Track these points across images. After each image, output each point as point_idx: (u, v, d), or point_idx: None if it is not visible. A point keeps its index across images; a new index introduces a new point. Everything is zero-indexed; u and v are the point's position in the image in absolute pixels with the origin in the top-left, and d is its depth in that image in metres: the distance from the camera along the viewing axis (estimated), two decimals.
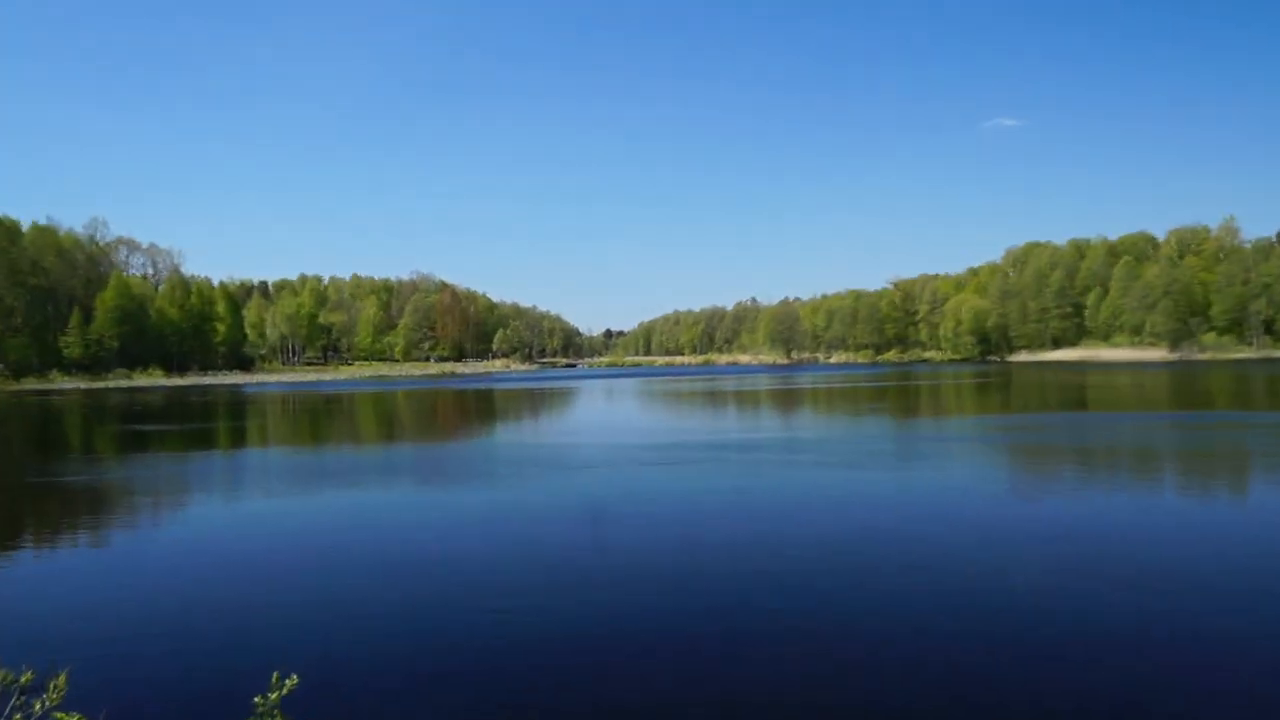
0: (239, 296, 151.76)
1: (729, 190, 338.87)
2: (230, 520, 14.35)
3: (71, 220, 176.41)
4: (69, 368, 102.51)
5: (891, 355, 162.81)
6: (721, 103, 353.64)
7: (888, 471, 17.95)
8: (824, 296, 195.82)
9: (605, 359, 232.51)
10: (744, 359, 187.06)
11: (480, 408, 46.03)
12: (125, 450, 25.41)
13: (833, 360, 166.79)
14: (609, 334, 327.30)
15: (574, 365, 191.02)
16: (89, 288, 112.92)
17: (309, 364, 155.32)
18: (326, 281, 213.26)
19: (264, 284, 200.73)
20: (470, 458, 22.48)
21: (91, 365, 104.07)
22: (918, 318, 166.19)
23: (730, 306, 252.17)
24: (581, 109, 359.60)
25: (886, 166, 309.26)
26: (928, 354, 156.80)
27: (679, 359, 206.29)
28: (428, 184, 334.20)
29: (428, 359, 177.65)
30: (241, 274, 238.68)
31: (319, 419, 39.26)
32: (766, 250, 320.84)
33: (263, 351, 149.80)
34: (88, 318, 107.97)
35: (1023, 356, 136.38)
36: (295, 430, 33.03)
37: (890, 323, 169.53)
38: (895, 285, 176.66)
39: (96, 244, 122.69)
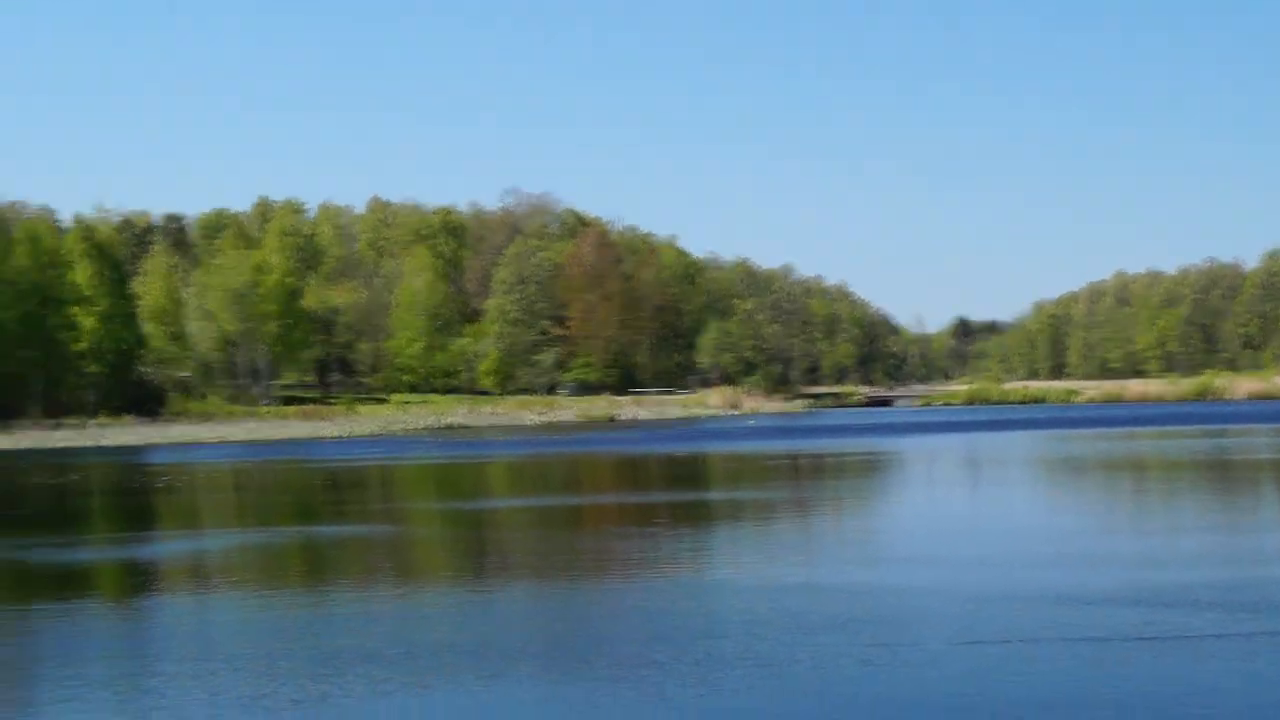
0: (123, 252, 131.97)
1: None
2: None
3: None
4: None
5: None
6: None
7: None
8: None
9: (961, 386, 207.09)
10: None
11: (693, 498, 44.45)
12: None
13: None
14: (963, 331, 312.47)
15: (888, 402, 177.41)
16: None
17: (291, 399, 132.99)
18: (314, 214, 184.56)
19: (177, 224, 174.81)
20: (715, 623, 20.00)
21: None
22: None
23: (1256, 260, 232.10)
24: None
25: None
26: None
27: (1132, 385, 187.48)
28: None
29: (552, 389, 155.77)
30: (131, 204, 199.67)
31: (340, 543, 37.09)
32: None
33: (185, 375, 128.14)
34: None
35: None
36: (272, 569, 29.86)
37: None
38: None
39: None
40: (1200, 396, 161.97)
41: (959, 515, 36.45)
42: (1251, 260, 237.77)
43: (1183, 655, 15.75)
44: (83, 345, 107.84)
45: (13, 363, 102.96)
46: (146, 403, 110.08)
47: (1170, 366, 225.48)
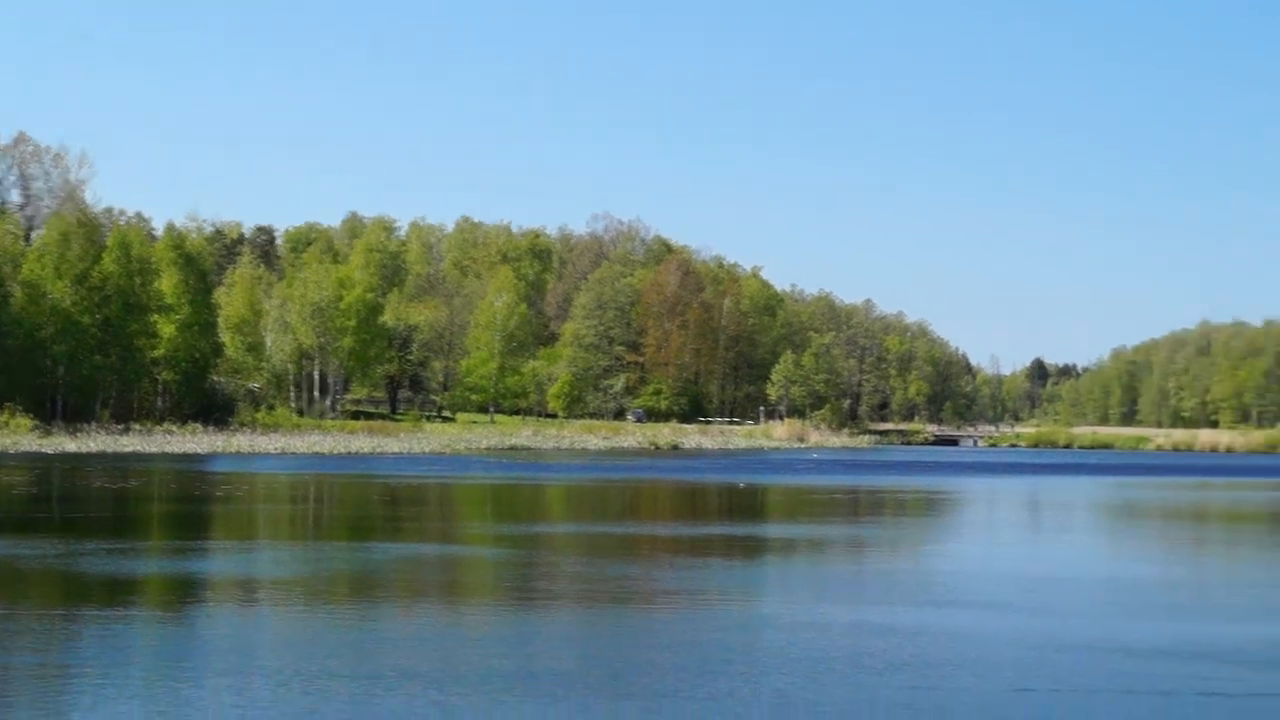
0: (211, 262, 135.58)
1: None
2: None
3: None
4: None
5: None
6: None
7: None
8: None
9: (1029, 429, 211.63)
10: None
11: (748, 531, 43.46)
12: None
13: None
14: (1039, 374, 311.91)
15: (954, 441, 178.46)
16: None
17: (359, 414, 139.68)
18: (404, 231, 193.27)
19: (266, 236, 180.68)
20: None
21: None
22: None
23: None
24: None
25: None
26: None
27: (1203, 434, 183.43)
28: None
29: (620, 415, 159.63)
30: (225, 215, 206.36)
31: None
32: None
33: (256, 386, 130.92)
34: None
35: None
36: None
37: None
38: None
39: None
40: (1272, 449, 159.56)
41: (1017, 559, 35.95)
42: None
43: (1239, 714, 15.43)
44: (159, 352, 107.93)
45: (88, 367, 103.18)
46: (215, 411, 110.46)
47: (1244, 418, 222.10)
